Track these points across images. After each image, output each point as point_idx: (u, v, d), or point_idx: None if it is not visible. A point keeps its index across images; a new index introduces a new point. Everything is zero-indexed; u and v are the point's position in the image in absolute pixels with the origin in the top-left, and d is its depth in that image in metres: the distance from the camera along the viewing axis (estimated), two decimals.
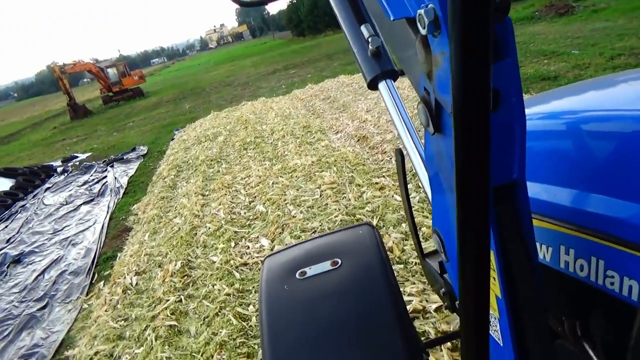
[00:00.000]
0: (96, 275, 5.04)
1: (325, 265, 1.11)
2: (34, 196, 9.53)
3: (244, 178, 5.19)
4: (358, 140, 5.49)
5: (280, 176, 4.89)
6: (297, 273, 1.12)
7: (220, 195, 4.71)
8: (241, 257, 3.46)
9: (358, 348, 0.91)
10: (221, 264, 3.38)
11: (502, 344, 0.73)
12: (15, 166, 11.76)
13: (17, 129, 28.90)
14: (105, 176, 9.39)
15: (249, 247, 3.56)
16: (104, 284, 4.43)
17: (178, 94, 23.36)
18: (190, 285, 3.22)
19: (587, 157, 0.81)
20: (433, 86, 0.58)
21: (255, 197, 4.47)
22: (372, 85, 0.98)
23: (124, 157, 10.60)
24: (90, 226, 6.67)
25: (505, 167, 0.61)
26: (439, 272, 1.11)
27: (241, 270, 3.29)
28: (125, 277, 3.70)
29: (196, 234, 4.01)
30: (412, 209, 1.21)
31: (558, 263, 0.85)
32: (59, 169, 11.81)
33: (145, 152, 10.81)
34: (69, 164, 12.15)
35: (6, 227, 7.89)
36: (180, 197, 5.34)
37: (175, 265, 3.42)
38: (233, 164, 6.02)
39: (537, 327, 0.69)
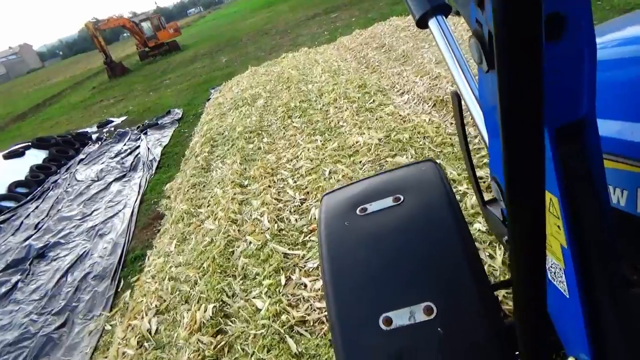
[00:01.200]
0: (122, 282, 4.25)
1: (387, 202, 1.03)
2: (67, 169, 8.93)
3: (291, 160, 4.10)
4: (434, 105, 4.14)
5: (339, 161, 3.72)
6: (358, 210, 1.05)
7: (262, 188, 3.64)
8: (296, 307, 2.39)
9: (425, 284, 0.86)
10: (268, 318, 2.35)
11: (568, 296, 0.68)
12: (49, 135, 11.20)
13: (59, 89, 28.88)
14: (138, 146, 8.61)
15: (305, 287, 2.52)
16: (128, 296, 3.59)
17: (214, 46, 22.20)
18: (225, 352, 2.26)
19: None
20: (485, 17, 0.54)
21: (307, 192, 3.35)
22: (422, 23, 0.92)
23: (158, 123, 9.79)
24: (120, 211, 5.90)
25: (571, 103, 0.55)
26: (501, 219, 1.05)
27: (299, 334, 2.22)
28: (143, 318, 2.80)
29: (233, 252, 3.01)
30: (472, 156, 1.16)
31: (635, 207, 0.77)
32: (94, 136, 11.24)
33: (180, 115, 9.94)
34: (104, 130, 11.59)
35: (37, 207, 7.30)
36: (214, 184, 4.36)
37: (205, 310, 2.46)
38: (276, 137, 4.96)
39: (608, 277, 0.62)
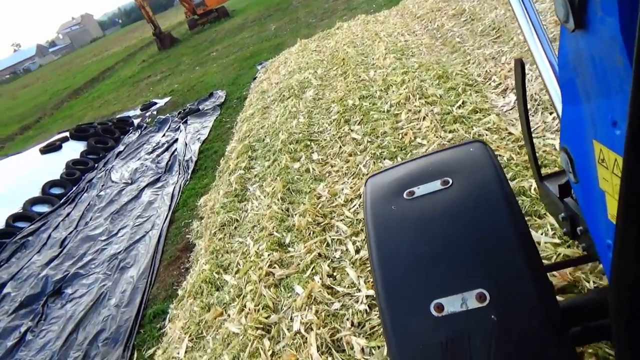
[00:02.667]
0: (135, 354, 3.32)
1: (435, 185, 0.99)
2: (105, 164, 8.22)
3: (351, 200, 2.86)
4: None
5: None
6: (405, 193, 1.01)
7: (309, 257, 2.47)
8: None
9: (477, 270, 0.83)
10: None
11: None
12: (89, 123, 10.58)
13: (114, 61, 28.84)
14: (176, 139, 7.68)
15: None
16: None
17: (263, 11, 20.82)
18: None
19: None
20: None
21: None
22: None
23: (200, 109, 8.82)
24: (147, 233, 5.00)
25: None
26: (558, 195, 1.01)
27: None
28: None
29: None
30: (531, 129, 1.21)
31: None
32: (135, 122, 10.51)
33: (222, 99, 8.92)
34: (147, 114, 10.85)
35: (67, 215, 6.61)
36: (248, 231, 3.21)
37: None
38: (330, 153, 3.69)
39: None
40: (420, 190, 1.01)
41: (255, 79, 9.29)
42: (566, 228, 1.03)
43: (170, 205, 5.45)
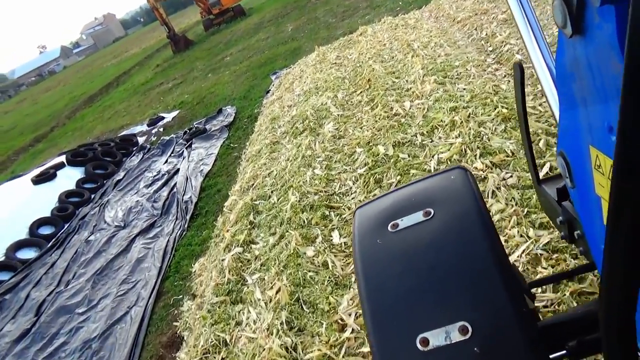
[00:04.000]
0: None
1: (418, 216, 1.01)
2: (102, 194, 7.34)
3: None
4: None
5: None
6: (389, 226, 1.04)
7: None
8: None
9: (459, 302, 0.85)
10: None
11: None
12: (90, 144, 9.73)
13: (129, 65, 28.27)
14: (178, 170, 6.73)
15: None
16: None
17: (280, 10, 19.73)
18: None
19: None
20: None
21: None
22: None
23: (206, 129, 7.85)
24: (130, 309, 4.04)
25: None
26: (556, 199, 1.02)
27: None
28: None
29: None
30: (530, 132, 1.08)
31: None
32: (141, 140, 9.65)
33: (232, 117, 7.93)
34: (153, 130, 9.99)
35: (53, 264, 5.75)
36: None
37: None
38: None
39: None
40: (404, 222, 1.02)
41: (268, 92, 8.27)
42: (564, 232, 1.01)
43: (160, 267, 4.48)
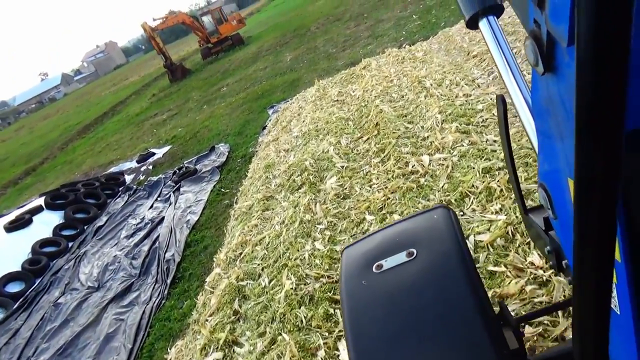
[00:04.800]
0: None
1: (401, 257, 1.04)
2: (80, 243, 6.66)
3: None
4: None
5: None
6: (374, 267, 1.06)
7: None
8: None
9: (440, 342, 0.88)
10: None
11: (619, 313, 0.64)
12: (72, 184, 9.07)
13: (126, 94, 27.91)
14: (163, 217, 6.05)
15: None
16: None
17: (279, 38, 19.38)
18: None
19: None
20: (545, 16, 0.52)
21: None
22: (472, 24, 0.89)
23: (197, 170, 7.22)
24: None
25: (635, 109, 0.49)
26: (544, 228, 1.01)
27: None
28: None
29: None
30: (515, 162, 1.09)
31: None
32: (128, 178, 9.01)
33: (225, 156, 7.30)
34: (142, 168, 9.36)
35: (16, 333, 5.05)
36: None
37: None
38: None
39: None
40: (388, 263, 1.04)
41: (264, 128, 7.66)
42: (552, 261, 1.00)
43: (131, 350, 3.75)
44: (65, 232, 7.07)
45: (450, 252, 0.99)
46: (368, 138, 4.20)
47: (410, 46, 7.47)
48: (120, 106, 23.60)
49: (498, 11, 0.91)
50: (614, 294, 0.64)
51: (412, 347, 0.88)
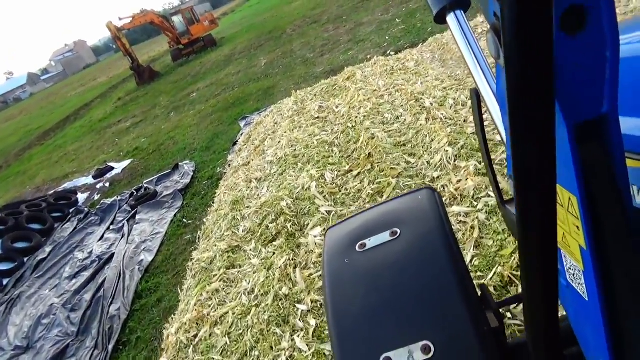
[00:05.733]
0: None
1: (385, 236, 1.04)
2: (16, 282, 5.68)
3: None
4: None
5: None
6: (357, 245, 1.06)
7: None
8: None
9: (422, 322, 0.87)
10: None
11: (587, 299, 0.65)
12: (15, 205, 8.02)
13: (92, 96, 26.50)
14: (113, 254, 5.14)
15: None
16: None
17: (254, 40, 18.46)
18: None
19: None
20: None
21: None
22: (440, 19, 0.90)
23: (157, 192, 6.33)
24: None
25: (593, 99, 0.52)
26: None
27: None
28: None
29: None
30: (490, 153, 1.10)
31: None
32: (82, 197, 8.02)
33: (189, 176, 6.43)
34: (98, 185, 8.39)
35: None
36: None
37: None
38: None
39: (629, 280, 0.59)
40: (371, 242, 1.04)
41: (235, 144, 6.81)
42: None
43: None
44: (1, 267, 6.06)
45: (434, 232, 0.99)
46: (359, 173, 3.37)
47: (398, 54, 6.72)
48: (85, 110, 22.23)
49: (465, 5, 0.89)
50: (582, 281, 0.65)
51: (394, 324, 0.87)
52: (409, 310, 0.88)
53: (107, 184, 8.23)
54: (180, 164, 7.03)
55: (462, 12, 0.89)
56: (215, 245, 3.47)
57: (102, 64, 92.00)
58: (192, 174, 6.53)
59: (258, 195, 3.91)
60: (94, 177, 8.97)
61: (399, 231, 1.02)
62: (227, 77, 13.35)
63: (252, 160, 4.99)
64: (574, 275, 0.68)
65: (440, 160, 2.95)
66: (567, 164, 0.55)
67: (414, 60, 5.67)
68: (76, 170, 10.56)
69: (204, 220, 4.67)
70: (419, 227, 1.02)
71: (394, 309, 0.89)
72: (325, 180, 3.49)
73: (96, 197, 7.79)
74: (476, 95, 0.96)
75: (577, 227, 0.60)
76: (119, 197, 6.88)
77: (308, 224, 3.05)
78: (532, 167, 0.40)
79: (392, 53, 7.70)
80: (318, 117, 5.07)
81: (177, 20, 22.38)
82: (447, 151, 2.99)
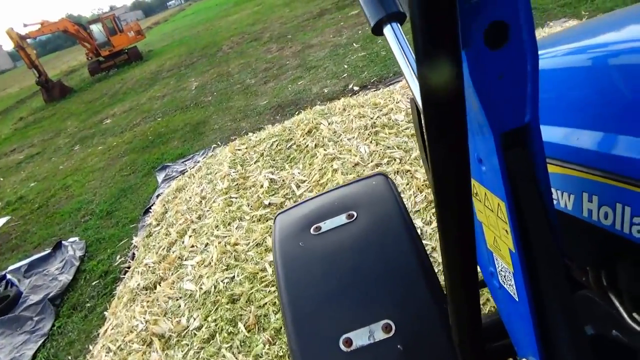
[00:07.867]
0: None
1: (341, 219, 1.02)
2: None
3: None
4: None
5: None
6: (312, 229, 1.03)
7: None
8: None
9: (382, 301, 0.86)
10: None
11: (517, 299, 0.66)
12: None
13: None
14: None
15: None
16: None
17: (185, 57, 16.29)
18: None
19: (612, 96, 0.68)
20: None
21: None
22: (377, 30, 0.89)
23: (19, 297, 4.21)
24: None
25: (516, 109, 0.55)
26: None
27: None
28: None
29: None
30: None
31: (581, 211, 0.74)
32: None
33: (74, 268, 4.38)
34: None
35: None
36: None
37: None
38: None
39: (555, 280, 0.61)
40: (327, 225, 1.02)
41: (147, 212, 4.84)
42: None
43: None
44: None
45: (391, 213, 0.98)
46: None
47: (367, 94, 5.05)
48: None
49: (401, 18, 0.88)
50: (512, 282, 0.65)
51: (354, 305, 0.85)
52: (369, 291, 0.86)
53: None
54: (64, 242, 4.90)
55: (398, 24, 0.87)
56: None
57: (19, 70, 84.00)
58: (77, 263, 4.45)
59: None
60: None
61: (355, 214, 1.01)
62: (150, 102, 11.16)
63: (162, 277, 3.04)
64: (505, 277, 0.68)
65: None
66: (495, 172, 0.57)
67: (403, 111, 4.01)
68: None
69: (87, 349, 2.68)
70: (376, 209, 1.01)
71: (354, 290, 0.87)
72: None
73: None
74: (416, 105, 0.96)
75: (506, 231, 0.61)
76: None
77: None
78: (449, 171, 0.41)
79: (355, 88, 6.07)
80: (269, 203, 3.24)
81: (95, 29, 19.59)
82: None
